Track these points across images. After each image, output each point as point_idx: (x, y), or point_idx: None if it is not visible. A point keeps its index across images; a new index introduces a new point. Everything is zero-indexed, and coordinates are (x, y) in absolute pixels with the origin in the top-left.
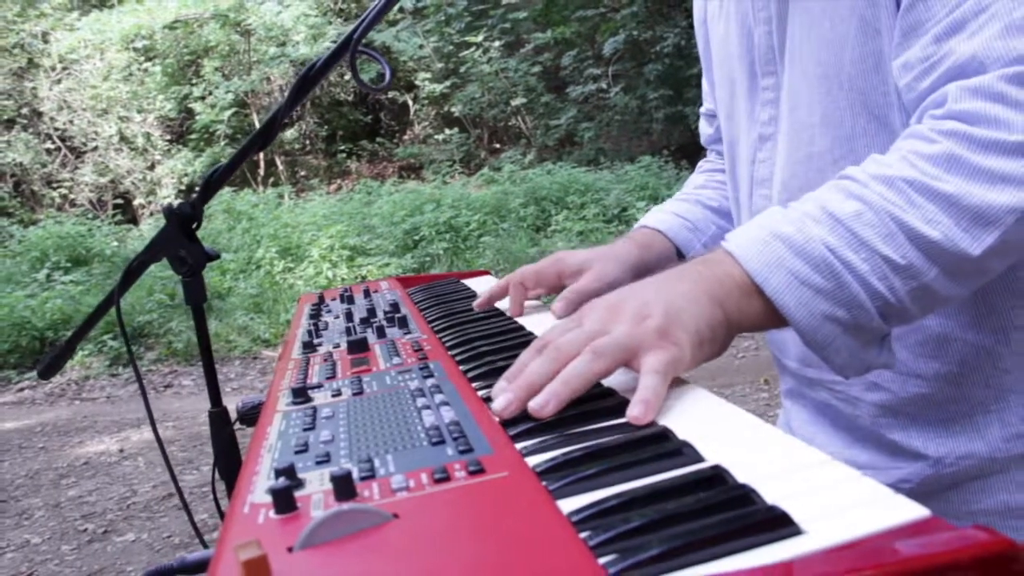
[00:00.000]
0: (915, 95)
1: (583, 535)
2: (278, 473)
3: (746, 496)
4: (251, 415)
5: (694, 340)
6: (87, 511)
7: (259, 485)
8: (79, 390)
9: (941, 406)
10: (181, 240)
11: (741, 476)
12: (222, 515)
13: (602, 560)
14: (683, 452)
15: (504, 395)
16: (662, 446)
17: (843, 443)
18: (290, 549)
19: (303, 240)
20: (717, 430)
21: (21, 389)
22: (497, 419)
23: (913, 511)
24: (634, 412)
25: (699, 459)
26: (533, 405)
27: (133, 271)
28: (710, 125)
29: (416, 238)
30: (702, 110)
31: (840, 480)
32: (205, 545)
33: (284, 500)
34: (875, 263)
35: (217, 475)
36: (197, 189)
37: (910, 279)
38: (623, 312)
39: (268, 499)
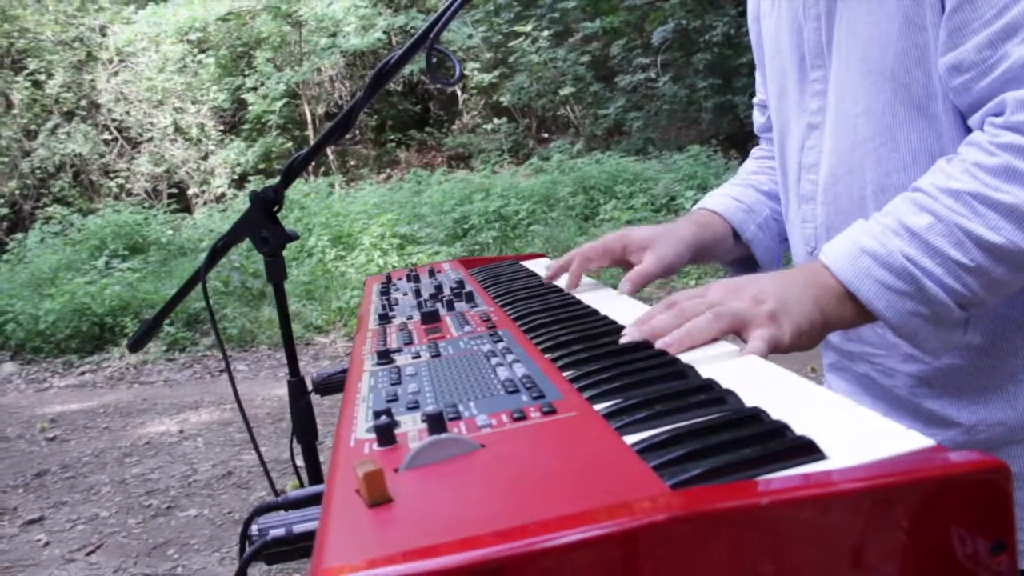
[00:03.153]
0: (971, 97)
1: (644, 459)
2: (376, 414)
3: (780, 430)
4: (325, 385)
5: (794, 330)
6: (151, 487)
7: (359, 426)
8: (137, 374)
9: (974, 376)
10: (264, 222)
11: (776, 416)
12: (298, 474)
13: (660, 476)
14: (727, 399)
15: (632, 335)
16: (709, 393)
17: (881, 412)
18: (395, 470)
19: (354, 229)
20: (758, 382)
21: (82, 373)
22: (565, 374)
23: (920, 441)
24: None
25: (740, 404)
26: (660, 344)
27: (219, 250)
28: (762, 115)
29: (466, 227)
30: (755, 100)
31: (860, 419)
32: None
33: (386, 434)
34: (949, 267)
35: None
36: (279, 174)
37: (981, 276)
38: (743, 293)
39: (370, 436)
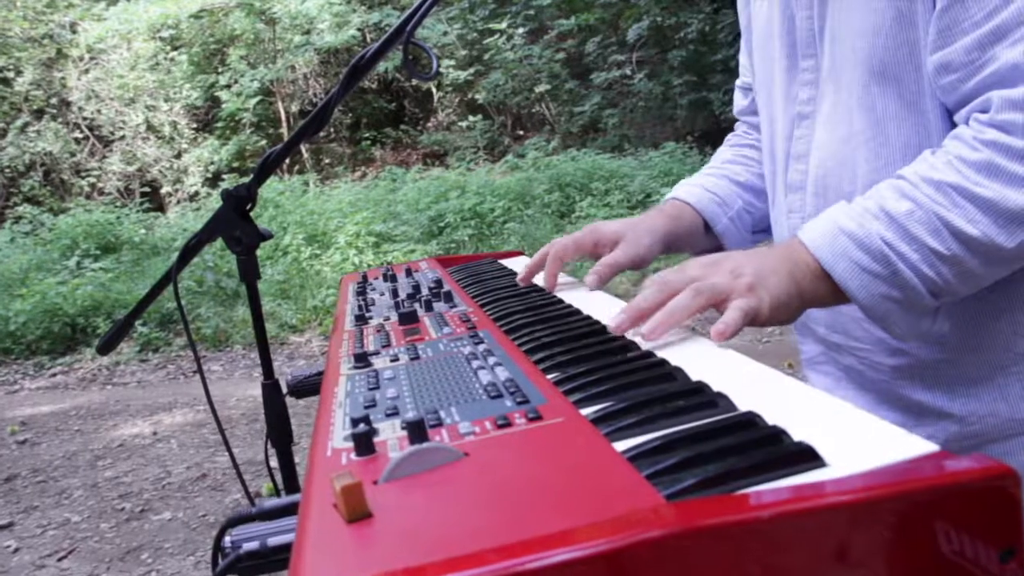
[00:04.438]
0: (958, 95)
1: (636, 467)
2: (355, 422)
3: (777, 436)
4: (300, 387)
5: (773, 303)
6: (124, 491)
7: (336, 434)
8: (110, 375)
9: (960, 369)
10: (236, 221)
11: (772, 421)
12: (273, 479)
13: (655, 486)
14: (718, 403)
15: (619, 317)
16: (700, 397)
17: (869, 406)
18: (375, 482)
19: (329, 227)
20: (750, 384)
21: (54, 374)
22: (549, 377)
23: (923, 446)
24: (717, 328)
25: (733, 408)
26: (643, 331)
27: (191, 249)
28: (744, 97)
29: (441, 225)
30: (738, 83)
31: (859, 422)
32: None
33: (364, 443)
34: (924, 254)
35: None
36: (252, 172)
37: (954, 266)
38: (721, 267)
39: (347, 445)
